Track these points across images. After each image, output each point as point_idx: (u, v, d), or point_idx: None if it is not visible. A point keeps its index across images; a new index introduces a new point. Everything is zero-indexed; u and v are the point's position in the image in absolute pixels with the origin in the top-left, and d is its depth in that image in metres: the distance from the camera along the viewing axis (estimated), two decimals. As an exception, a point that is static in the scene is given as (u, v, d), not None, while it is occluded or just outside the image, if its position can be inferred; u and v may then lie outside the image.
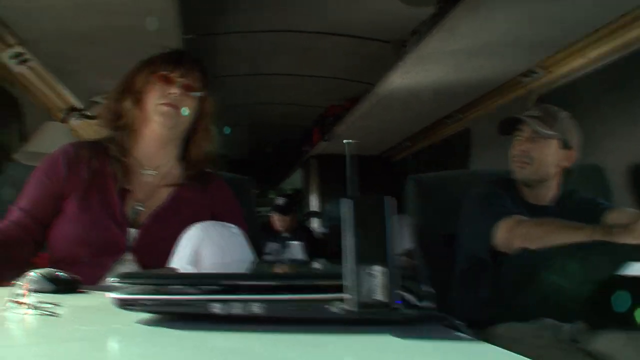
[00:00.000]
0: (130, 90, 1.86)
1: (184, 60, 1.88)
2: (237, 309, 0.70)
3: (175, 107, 1.80)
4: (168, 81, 1.82)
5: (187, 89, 1.83)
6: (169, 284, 0.75)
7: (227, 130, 2.90)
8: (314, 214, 5.98)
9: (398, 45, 3.58)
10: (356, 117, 4.58)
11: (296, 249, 4.79)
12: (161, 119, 1.81)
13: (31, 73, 3.10)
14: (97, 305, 1.03)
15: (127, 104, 1.85)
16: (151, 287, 0.75)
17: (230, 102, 4.22)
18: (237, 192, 2.01)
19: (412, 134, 5.12)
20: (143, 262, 1.71)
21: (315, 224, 5.92)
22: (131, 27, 2.51)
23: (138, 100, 1.85)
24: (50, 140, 3.14)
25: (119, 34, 2.62)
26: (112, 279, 0.76)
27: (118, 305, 0.74)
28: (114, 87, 1.93)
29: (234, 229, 1.52)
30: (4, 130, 3.05)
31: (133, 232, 1.74)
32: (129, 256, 1.71)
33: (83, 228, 1.73)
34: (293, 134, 5.98)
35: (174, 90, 1.80)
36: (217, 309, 0.70)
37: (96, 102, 3.52)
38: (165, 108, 1.79)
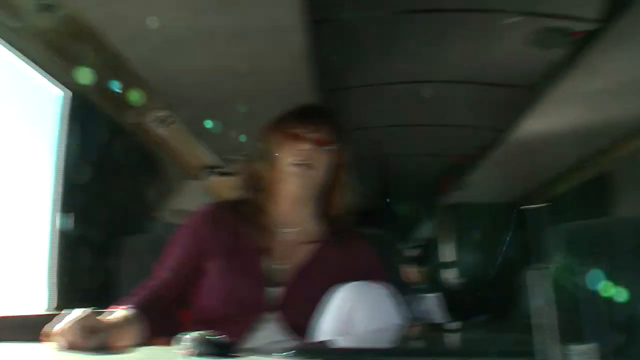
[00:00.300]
0: (262, 153, 1.88)
1: (312, 114, 1.89)
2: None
3: (308, 165, 1.80)
4: (298, 138, 1.82)
5: (318, 143, 1.82)
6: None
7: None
8: (448, 265, 5.82)
9: (530, 90, 3.47)
10: (488, 164, 4.45)
11: (431, 302, 4.65)
12: (295, 179, 1.81)
13: (173, 134, 3.23)
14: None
15: (261, 166, 1.87)
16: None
17: (361, 155, 4.20)
18: (376, 248, 1.97)
19: (546, 181, 4.91)
20: (283, 322, 1.70)
21: (449, 276, 5.76)
22: (266, 88, 2.57)
23: (271, 162, 1.86)
24: (190, 198, 3.24)
25: (255, 94, 2.67)
26: (285, 354, 0.74)
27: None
28: (249, 147, 1.97)
29: (386, 291, 1.48)
30: (147, 190, 3.17)
31: (272, 291, 1.73)
32: (269, 316, 1.70)
33: (223, 288, 1.75)
34: (424, 183, 5.89)
35: (305, 147, 1.80)
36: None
37: (232, 160, 3.62)
38: (297, 169, 1.79)
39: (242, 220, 1.87)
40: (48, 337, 1.31)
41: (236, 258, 1.80)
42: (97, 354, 1.19)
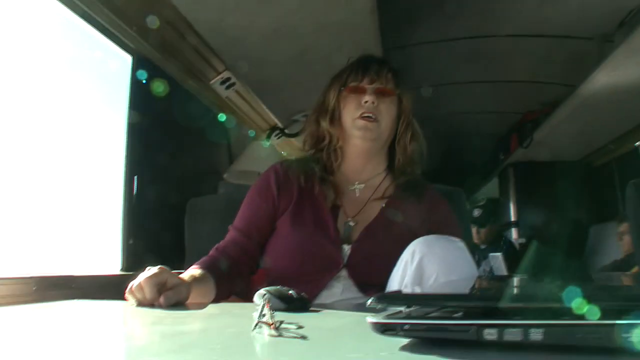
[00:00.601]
0: (325, 110, 1.85)
1: (370, 65, 1.84)
2: (513, 336, 0.63)
3: (373, 117, 1.76)
4: (359, 91, 1.79)
5: (380, 93, 1.79)
6: (439, 307, 0.70)
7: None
8: (513, 224, 5.74)
9: (603, 41, 3.33)
10: (556, 121, 4.32)
11: (497, 261, 4.60)
12: (361, 133, 1.78)
13: (237, 96, 3.24)
14: (340, 326, 1.01)
15: (325, 125, 1.84)
16: (420, 310, 0.70)
17: (425, 113, 4.15)
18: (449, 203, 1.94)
19: (618, 136, 4.74)
20: (357, 279, 1.68)
21: (513, 235, 5.68)
22: (332, 46, 2.53)
23: (335, 118, 1.84)
24: (255, 159, 3.26)
25: (319, 53, 2.64)
26: (370, 300, 0.72)
27: (378, 331, 0.69)
28: (311, 108, 1.95)
29: (459, 243, 1.46)
30: (215, 152, 3.20)
31: (346, 248, 1.72)
32: (343, 273, 1.70)
33: (297, 246, 1.74)
34: (489, 142, 5.79)
35: (368, 98, 1.77)
36: (490, 335, 0.64)
37: (296, 121, 3.62)
38: (362, 122, 1.76)
39: (312, 177, 1.87)
40: (125, 295, 1.33)
41: (309, 216, 1.79)
42: (171, 310, 1.21)
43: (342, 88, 1.84)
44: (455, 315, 0.68)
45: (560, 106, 4.08)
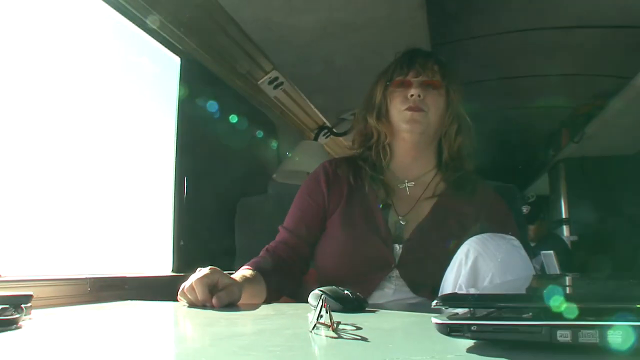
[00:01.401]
0: (372, 107, 1.83)
1: (416, 58, 1.81)
2: (588, 338, 0.60)
3: (420, 109, 1.73)
4: (405, 85, 1.77)
5: (427, 86, 1.76)
6: (508, 307, 0.67)
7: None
8: (563, 222, 5.62)
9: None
10: (609, 114, 4.21)
11: (549, 259, 4.51)
12: (408, 126, 1.75)
13: (285, 96, 3.23)
14: (400, 327, 0.99)
15: (372, 121, 1.82)
16: (483, 310, 0.67)
17: (474, 108, 4.08)
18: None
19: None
20: (409, 279, 1.66)
21: (565, 232, 5.57)
22: (380, 43, 2.51)
23: (382, 114, 1.81)
24: (304, 159, 3.25)
25: (367, 50, 2.62)
26: (435, 302, 0.70)
27: (444, 331, 0.67)
28: (362, 103, 1.93)
29: (514, 242, 1.42)
30: (264, 152, 3.20)
31: (397, 247, 1.70)
32: (395, 273, 1.68)
33: (348, 246, 1.73)
34: (539, 138, 5.68)
35: (414, 91, 1.74)
36: (564, 336, 0.61)
37: (344, 120, 3.60)
38: (409, 113, 1.73)
39: (362, 176, 1.85)
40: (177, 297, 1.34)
41: (359, 215, 1.77)
42: (223, 311, 1.20)
43: (388, 83, 1.82)
44: (525, 315, 0.65)
45: (613, 99, 3.98)
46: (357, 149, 1.92)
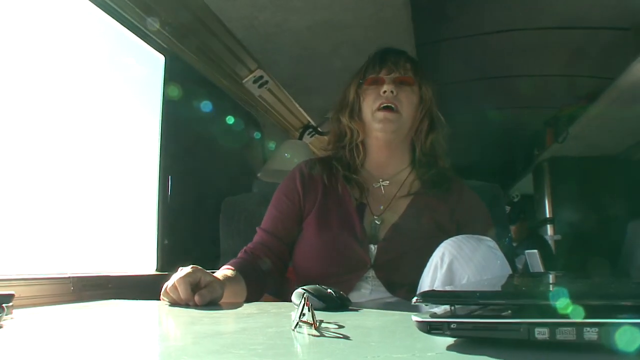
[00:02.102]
0: (345, 106, 1.84)
1: (388, 56, 1.82)
2: (566, 335, 0.60)
3: (393, 107, 1.74)
4: (378, 82, 1.78)
5: (399, 83, 1.76)
6: (490, 304, 0.68)
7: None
8: (547, 221, 5.65)
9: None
10: (593, 115, 4.23)
11: (533, 258, 4.53)
12: (381, 125, 1.75)
13: (270, 95, 3.23)
14: (382, 325, 0.99)
15: (345, 120, 1.83)
16: (465, 308, 0.68)
17: (458, 109, 4.11)
18: (484, 200, 1.90)
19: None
20: (385, 279, 1.67)
21: (549, 231, 5.60)
22: (365, 42, 2.51)
23: (355, 113, 1.82)
24: (289, 158, 3.25)
25: (352, 50, 2.62)
26: (415, 298, 0.71)
27: (424, 329, 0.67)
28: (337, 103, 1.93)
29: (489, 242, 1.43)
30: (249, 151, 3.20)
31: (373, 247, 1.71)
32: (371, 273, 1.68)
33: (324, 247, 1.73)
34: (523, 137, 5.70)
35: (386, 87, 1.74)
36: (541, 334, 0.61)
37: (329, 118, 3.60)
38: (381, 114, 1.74)
39: (335, 177, 1.85)
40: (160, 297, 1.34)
41: (335, 216, 1.78)
42: (207, 310, 1.20)
43: (361, 81, 1.83)
44: (504, 313, 0.66)
45: (596, 99, 4.00)
46: (331, 150, 1.93)
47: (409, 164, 1.88)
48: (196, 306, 1.25)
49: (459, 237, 1.45)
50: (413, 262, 1.55)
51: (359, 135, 1.83)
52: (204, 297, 1.27)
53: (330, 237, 1.74)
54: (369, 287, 1.68)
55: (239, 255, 1.75)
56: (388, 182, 1.84)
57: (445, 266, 1.39)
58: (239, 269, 1.60)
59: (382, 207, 1.79)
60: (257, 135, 3.29)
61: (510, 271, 1.43)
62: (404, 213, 1.77)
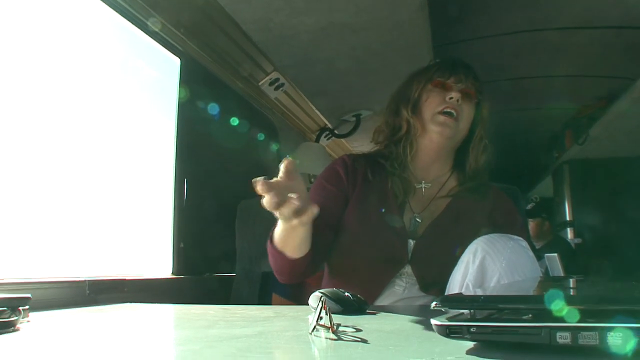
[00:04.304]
0: (407, 99, 1.85)
1: (458, 66, 1.84)
2: (589, 340, 0.58)
3: (454, 115, 1.75)
4: (446, 88, 1.80)
5: (464, 95, 1.78)
6: (508, 309, 0.66)
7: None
8: (567, 224, 5.60)
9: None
10: (613, 116, 4.19)
11: (553, 262, 4.48)
12: (440, 129, 1.77)
13: (286, 97, 3.23)
14: (400, 329, 0.98)
15: (407, 113, 1.83)
16: (484, 312, 0.66)
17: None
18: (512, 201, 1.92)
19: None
20: (420, 276, 1.67)
21: (569, 235, 5.55)
22: (381, 44, 2.50)
23: (417, 109, 1.83)
24: (306, 160, 3.24)
25: (368, 51, 2.61)
26: (434, 303, 0.69)
27: (443, 333, 0.66)
28: (386, 102, 1.93)
29: (522, 242, 1.43)
30: (265, 153, 3.19)
31: (411, 243, 1.71)
32: (407, 269, 1.68)
33: (363, 238, 1.74)
34: (543, 139, 5.65)
35: (454, 95, 1.75)
36: (563, 338, 0.60)
37: (346, 121, 3.59)
38: (443, 118, 1.76)
39: (379, 173, 1.86)
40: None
41: (375, 210, 1.78)
42: (224, 314, 1.20)
43: (428, 82, 1.83)
44: (525, 317, 0.65)
45: (617, 100, 3.96)
46: (381, 142, 1.93)
47: (449, 170, 1.90)
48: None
49: (492, 235, 1.47)
50: (448, 260, 1.56)
51: (417, 132, 1.83)
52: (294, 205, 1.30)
53: (369, 229, 1.75)
54: (403, 285, 1.68)
55: None
56: (430, 185, 1.86)
57: (477, 262, 1.40)
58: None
59: (422, 207, 1.80)
60: (273, 137, 3.29)
61: (540, 271, 1.43)
62: (443, 213, 1.79)
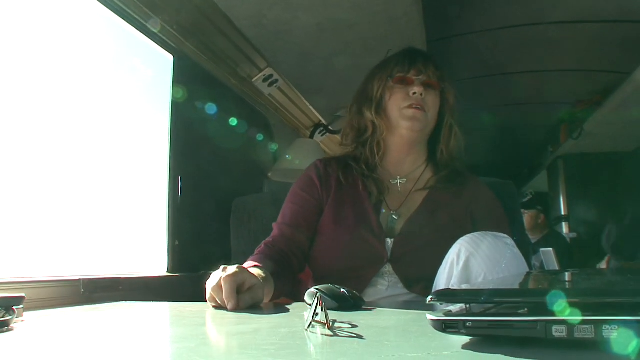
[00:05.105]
0: (369, 100, 1.84)
1: (417, 58, 1.82)
2: (585, 333, 0.58)
3: (421, 108, 1.75)
4: (407, 82, 1.78)
5: (427, 86, 1.77)
6: (504, 303, 0.66)
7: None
8: (562, 219, 5.61)
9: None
10: (608, 110, 4.19)
11: (548, 256, 4.49)
12: (409, 124, 1.76)
13: (280, 93, 3.22)
14: (395, 324, 0.98)
15: (370, 115, 1.82)
16: (480, 307, 0.66)
17: (470, 105, 4.07)
18: (498, 198, 1.89)
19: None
20: (402, 273, 1.66)
21: (564, 229, 5.56)
22: (376, 39, 2.49)
23: (380, 108, 1.82)
24: (300, 157, 3.24)
25: (362, 47, 2.60)
26: (430, 297, 0.69)
27: (439, 328, 0.66)
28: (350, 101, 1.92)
29: (507, 240, 1.42)
30: (259, 150, 3.19)
31: (390, 242, 1.70)
32: (388, 268, 1.68)
33: (341, 241, 1.73)
34: (538, 134, 5.65)
35: (417, 89, 1.75)
36: (559, 332, 0.59)
37: (340, 117, 3.58)
38: (411, 111, 1.74)
39: (353, 174, 1.85)
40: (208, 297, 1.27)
41: (351, 212, 1.78)
42: (217, 310, 1.19)
43: (389, 78, 1.82)
44: (520, 311, 0.64)
45: (611, 95, 3.96)
46: (349, 145, 1.92)
47: (424, 162, 1.90)
48: (235, 311, 1.17)
49: (476, 234, 1.45)
50: (429, 256, 1.56)
51: (383, 132, 1.82)
52: (246, 302, 1.20)
53: (346, 231, 1.74)
54: (386, 283, 1.67)
55: (261, 249, 1.70)
56: (405, 179, 1.85)
57: (461, 263, 1.39)
58: (269, 268, 1.51)
59: (398, 203, 1.79)
60: (267, 134, 3.28)
61: (527, 269, 1.42)
62: (420, 207, 1.78)
